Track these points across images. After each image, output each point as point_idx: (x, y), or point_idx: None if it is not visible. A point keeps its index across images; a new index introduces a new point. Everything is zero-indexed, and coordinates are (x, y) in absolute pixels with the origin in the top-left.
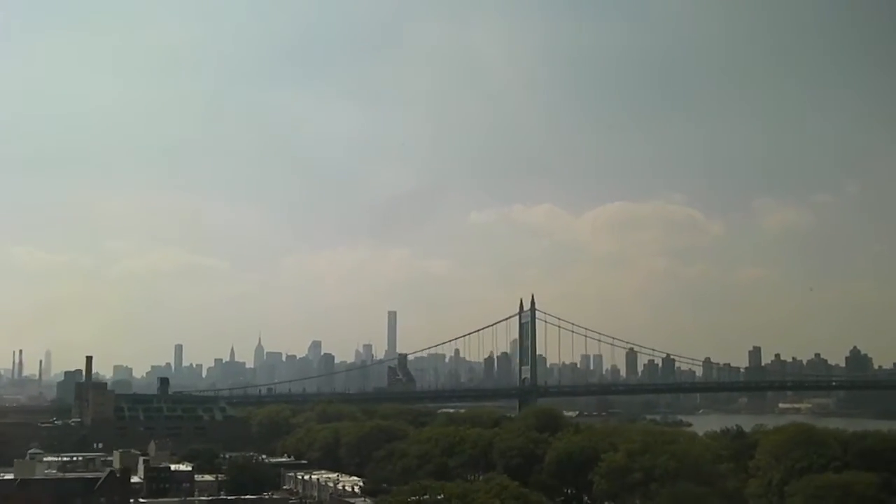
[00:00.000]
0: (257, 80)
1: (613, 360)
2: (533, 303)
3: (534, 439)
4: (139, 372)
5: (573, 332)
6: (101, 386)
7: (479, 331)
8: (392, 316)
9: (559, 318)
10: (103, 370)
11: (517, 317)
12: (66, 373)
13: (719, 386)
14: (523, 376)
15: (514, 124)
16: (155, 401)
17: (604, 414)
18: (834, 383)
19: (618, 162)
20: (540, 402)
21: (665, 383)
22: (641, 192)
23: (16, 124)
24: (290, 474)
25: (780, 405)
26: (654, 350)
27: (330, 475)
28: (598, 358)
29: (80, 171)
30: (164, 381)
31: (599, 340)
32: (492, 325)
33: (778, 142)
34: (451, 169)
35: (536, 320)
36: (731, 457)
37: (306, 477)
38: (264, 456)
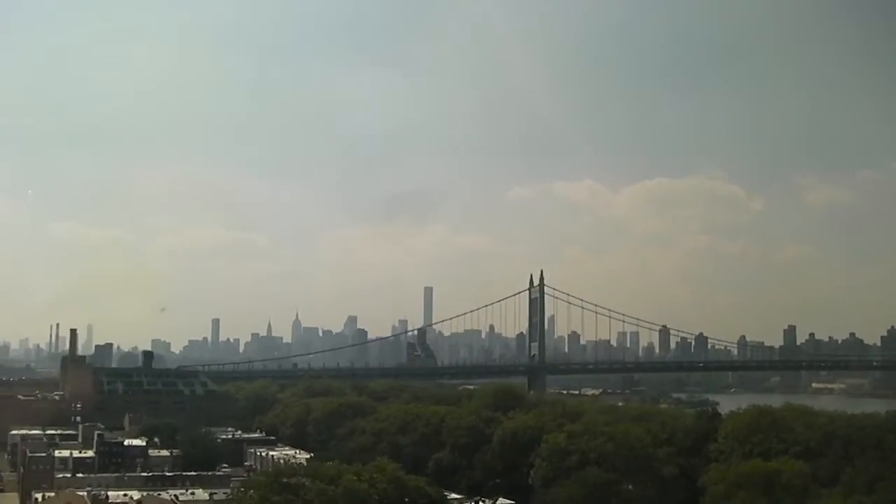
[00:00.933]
0: (298, 55)
1: (650, 338)
2: (542, 279)
3: (486, 418)
4: (177, 346)
5: (582, 307)
6: (79, 360)
7: (488, 305)
8: (428, 291)
9: (568, 294)
10: (143, 344)
11: (527, 292)
12: (97, 346)
13: (742, 365)
14: (532, 353)
15: (554, 99)
16: (135, 375)
17: (627, 392)
18: (875, 363)
19: (658, 137)
20: (559, 378)
21: (674, 360)
22: (682, 167)
23: (57, 100)
24: (252, 450)
25: (814, 385)
26: (679, 330)
27: (289, 451)
28: (635, 335)
29: (122, 148)
30: (147, 355)
31: (609, 317)
32: (499, 301)
33: (821, 117)
34: (492, 144)
35: (552, 297)
36: (697, 440)
37: (267, 453)
38: (239, 431)
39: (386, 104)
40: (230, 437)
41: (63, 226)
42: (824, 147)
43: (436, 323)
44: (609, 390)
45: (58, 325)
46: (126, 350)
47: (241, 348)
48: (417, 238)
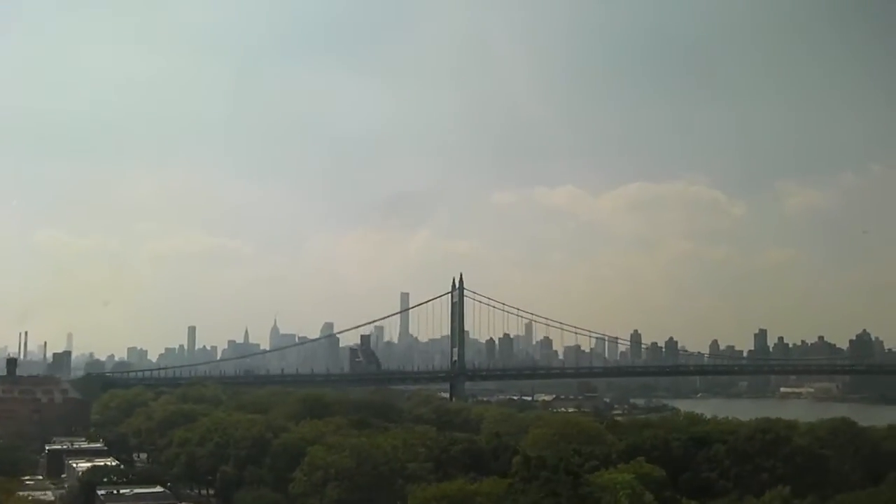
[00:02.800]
0: (281, 60)
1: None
2: (461, 282)
3: (276, 427)
4: (153, 354)
5: (505, 312)
6: None
7: (414, 307)
8: (405, 297)
9: (488, 298)
10: (119, 353)
11: (449, 296)
12: (55, 354)
13: (699, 369)
14: (454, 358)
15: (534, 103)
16: None
17: (580, 397)
18: (838, 366)
19: (638, 142)
20: (522, 383)
21: (607, 367)
22: (662, 172)
23: (36, 105)
24: (69, 462)
25: (782, 389)
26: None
27: (101, 462)
28: (614, 342)
29: (105, 153)
30: (10, 362)
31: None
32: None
33: (802, 121)
34: (474, 149)
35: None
36: (495, 451)
37: (76, 464)
38: (81, 441)
39: (369, 108)
40: (62, 447)
41: (45, 233)
42: (805, 151)
43: (377, 320)
44: (562, 396)
45: (26, 333)
46: (98, 358)
47: (219, 356)
48: (402, 243)
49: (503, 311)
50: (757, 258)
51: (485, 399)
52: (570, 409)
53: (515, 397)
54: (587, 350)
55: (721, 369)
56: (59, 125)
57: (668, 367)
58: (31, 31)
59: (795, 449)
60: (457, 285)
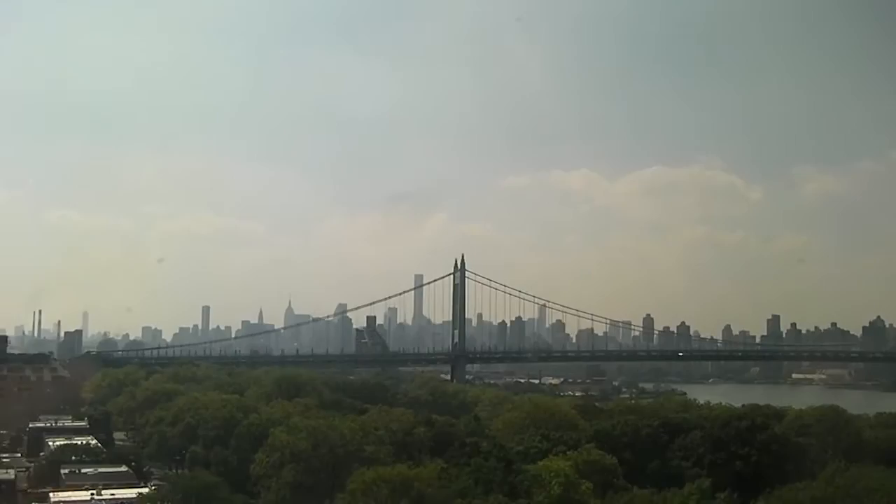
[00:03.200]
0: (295, 44)
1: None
2: (463, 263)
3: (246, 408)
4: (168, 334)
5: (507, 293)
6: None
7: (416, 287)
8: (419, 279)
9: (490, 280)
10: (134, 332)
11: (451, 277)
12: (66, 333)
13: (701, 354)
14: (455, 340)
15: (549, 87)
16: None
17: (588, 381)
18: (853, 354)
19: (654, 126)
20: (528, 366)
21: (609, 351)
22: (679, 157)
23: (50, 86)
24: (46, 440)
25: (794, 375)
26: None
27: (79, 440)
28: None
29: (117, 134)
30: (1, 340)
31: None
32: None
33: (820, 106)
34: (487, 132)
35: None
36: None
37: (53, 442)
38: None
39: (381, 92)
40: (43, 425)
41: (57, 213)
42: (823, 137)
43: (379, 301)
44: (570, 379)
45: (40, 311)
46: (112, 337)
47: (234, 335)
48: (416, 227)
49: (506, 293)
50: (773, 244)
51: (492, 382)
52: (577, 393)
53: (522, 380)
54: (601, 334)
55: (726, 355)
56: (72, 107)
57: (674, 351)
58: (46, 16)
59: (772, 437)
60: (458, 267)
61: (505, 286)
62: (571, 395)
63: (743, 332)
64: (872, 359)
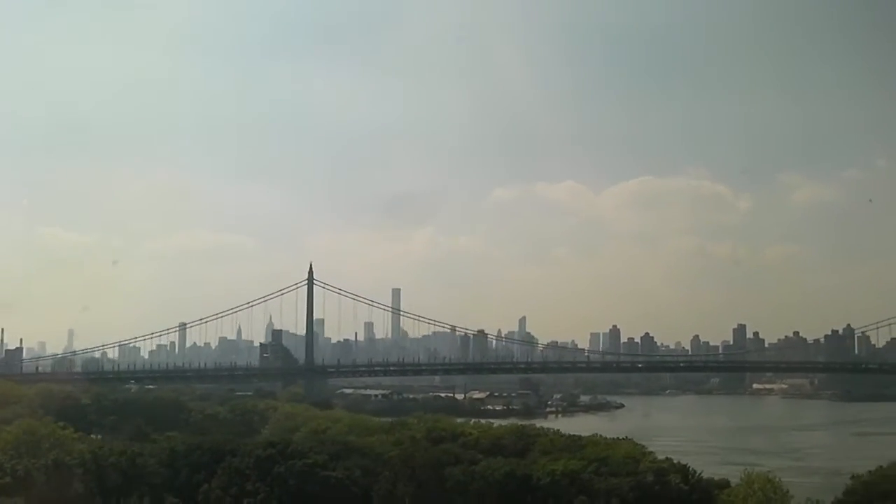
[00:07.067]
0: (281, 56)
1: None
2: (311, 272)
3: None
4: (146, 351)
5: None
6: None
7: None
8: (396, 293)
9: (340, 290)
10: (111, 349)
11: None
12: (7, 351)
13: (649, 366)
14: (308, 355)
15: (535, 98)
16: None
17: (513, 395)
18: (813, 365)
19: (641, 136)
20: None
21: (500, 363)
22: (666, 167)
23: (41, 104)
24: None
25: (755, 385)
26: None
27: None
28: (596, 336)
29: (106, 152)
30: None
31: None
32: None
33: (807, 115)
34: (475, 144)
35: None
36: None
37: None
38: None
39: (369, 105)
40: None
41: (46, 231)
42: (810, 145)
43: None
44: (497, 393)
45: (2, 329)
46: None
47: (211, 353)
48: (405, 241)
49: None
50: (761, 254)
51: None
52: (499, 407)
53: (443, 394)
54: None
55: (660, 367)
56: (61, 124)
57: (614, 363)
58: (30, 30)
59: (289, 467)
60: (308, 276)
61: (356, 296)
62: (492, 409)
63: (705, 343)
64: (837, 369)
